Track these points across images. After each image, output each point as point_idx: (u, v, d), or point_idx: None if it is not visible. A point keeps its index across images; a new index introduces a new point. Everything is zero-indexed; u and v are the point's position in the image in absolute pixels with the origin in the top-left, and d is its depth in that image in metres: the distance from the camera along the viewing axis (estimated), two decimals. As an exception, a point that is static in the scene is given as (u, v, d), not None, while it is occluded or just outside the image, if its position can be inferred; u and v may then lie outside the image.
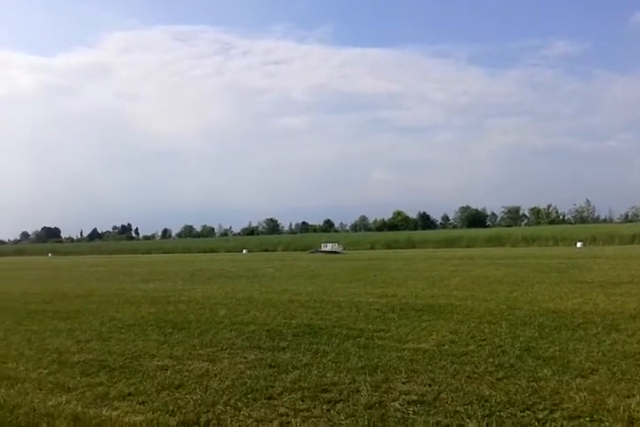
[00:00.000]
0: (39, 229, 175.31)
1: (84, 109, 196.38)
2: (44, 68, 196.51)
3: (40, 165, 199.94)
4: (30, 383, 6.46)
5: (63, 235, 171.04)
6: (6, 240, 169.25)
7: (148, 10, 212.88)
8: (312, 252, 53.66)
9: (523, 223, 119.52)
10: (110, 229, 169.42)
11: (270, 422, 4.95)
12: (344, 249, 54.97)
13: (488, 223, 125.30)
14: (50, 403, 5.68)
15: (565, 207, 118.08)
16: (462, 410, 5.03)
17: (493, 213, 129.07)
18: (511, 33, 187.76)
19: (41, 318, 11.79)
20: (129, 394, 5.90)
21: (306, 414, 5.10)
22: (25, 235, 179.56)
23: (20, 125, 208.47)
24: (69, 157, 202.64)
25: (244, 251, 72.13)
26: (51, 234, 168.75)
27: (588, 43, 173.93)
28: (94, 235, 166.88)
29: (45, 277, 28.09)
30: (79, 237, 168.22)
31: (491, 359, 6.79)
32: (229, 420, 5.03)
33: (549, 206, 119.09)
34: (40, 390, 6.20)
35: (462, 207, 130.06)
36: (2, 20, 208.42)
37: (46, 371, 7.00)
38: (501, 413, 4.96)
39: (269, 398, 5.57)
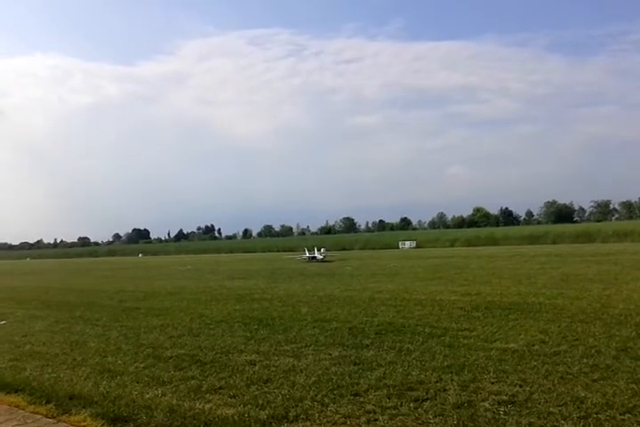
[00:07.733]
0: (129, 231, 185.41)
1: (166, 115, 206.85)
2: (128, 77, 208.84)
3: (128, 170, 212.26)
4: (128, 376, 6.82)
5: (152, 236, 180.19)
6: (100, 242, 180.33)
7: (222, 16, 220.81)
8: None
9: (613, 218, 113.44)
10: (195, 230, 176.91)
11: (357, 418, 4.97)
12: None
13: (576, 218, 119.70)
14: (147, 395, 5.97)
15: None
16: (556, 411, 4.84)
17: (581, 208, 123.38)
18: (594, 18, 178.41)
19: (135, 314, 12.45)
20: (220, 388, 6.11)
21: (393, 411, 5.08)
22: (117, 236, 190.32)
23: (109, 131, 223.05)
24: (154, 162, 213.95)
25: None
26: (140, 235, 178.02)
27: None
28: (180, 235, 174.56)
29: (137, 276, 29.60)
30: (166, 237, 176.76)
31: (585, 360, 6.49)
32: (317, 415, 5.09)
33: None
34: (137, 382, 6.52)
35: (548, 202, 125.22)
36: (89, 33, 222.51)
37: (142, 365, 7.38)
38: (599, 415, 4.73)
39: (355, 395, 5.59)
